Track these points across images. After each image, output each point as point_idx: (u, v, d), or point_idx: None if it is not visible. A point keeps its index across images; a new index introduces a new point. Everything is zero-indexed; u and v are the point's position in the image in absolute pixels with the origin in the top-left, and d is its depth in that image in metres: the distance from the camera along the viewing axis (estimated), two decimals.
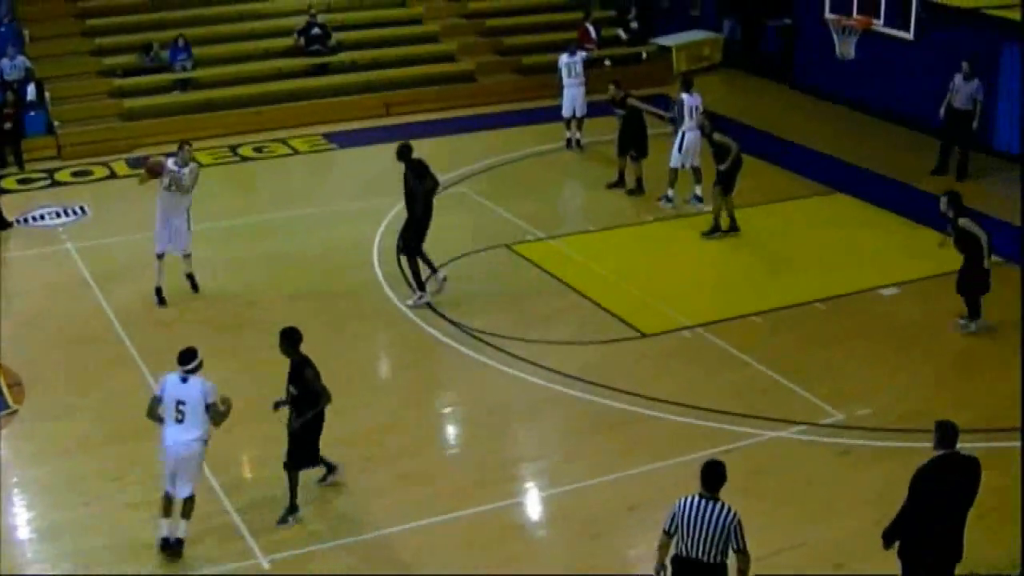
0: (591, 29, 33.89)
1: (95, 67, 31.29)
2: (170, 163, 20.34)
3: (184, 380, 14.02)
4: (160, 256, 20.68)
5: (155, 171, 20.37)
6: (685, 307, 20.44)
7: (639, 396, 17.55)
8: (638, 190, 25.74)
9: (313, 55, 32.99)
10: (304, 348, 18.43)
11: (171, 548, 14.13)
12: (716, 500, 11.43)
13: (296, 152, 29.22)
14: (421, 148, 28.64)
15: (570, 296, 21.13)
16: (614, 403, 17.49)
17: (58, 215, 25.00)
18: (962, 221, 19.40)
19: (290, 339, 14.71)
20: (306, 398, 14.63)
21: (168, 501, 14.16)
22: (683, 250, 23.28)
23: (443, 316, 20.20)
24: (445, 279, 21.25)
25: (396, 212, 24.59)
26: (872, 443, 16.37)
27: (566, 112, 28.93)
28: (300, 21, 33.37)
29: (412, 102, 32.44)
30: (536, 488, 15.94)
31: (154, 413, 14.07)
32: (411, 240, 20.65)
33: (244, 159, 28.68)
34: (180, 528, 14.23)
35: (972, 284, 19.54)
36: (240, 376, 18.39)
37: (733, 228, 23.49)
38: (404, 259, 20.90)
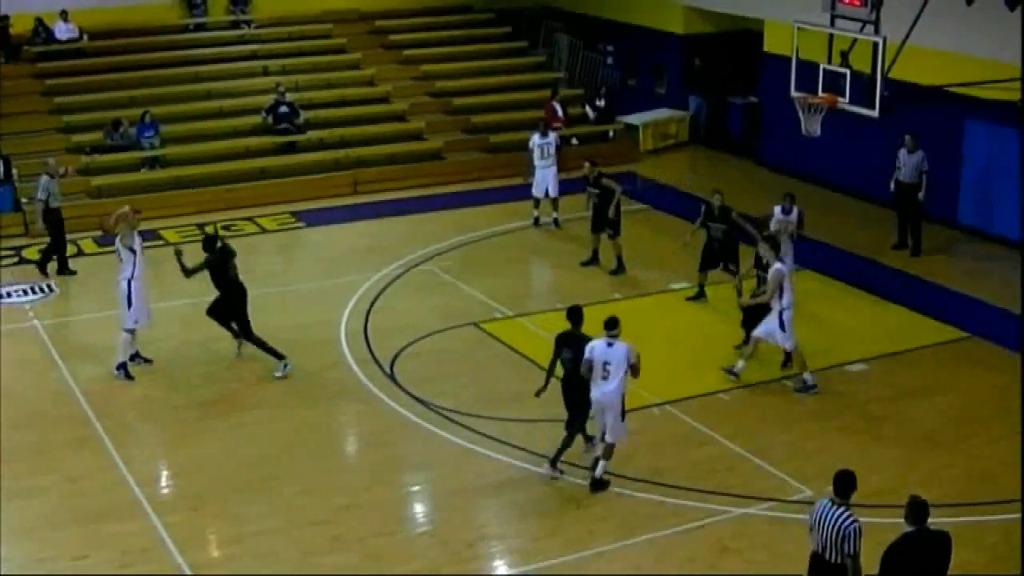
0: (558, 107, 34.13)
1: (63, 144, 31.32)
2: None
3: (610, 345, 16.77)
4: (134, 329, 21.02)
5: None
6: (653, 384, 20.42)
7: (606, 473, 17.50)
8: (619, 269, 25.81)
9: (281, 133, 33.09)
10: (272, 427, 18.49)
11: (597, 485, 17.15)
12: (842, 506, 12.50)
13: (264, 230, 29.24)
14: (389, 226, 29.12)
15: (537, 374, 20.97)
16: (581, 481, 17.44)
17: (25, 292, 24.92)
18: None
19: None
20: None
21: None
22: (650, 327, 23.27)
23: (410, 395, 20.18)
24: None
25: (364, 290, 24.70)
26: None
27: (537, 192, 28.98)
28: (268, 99, 33.50)
29: (380, 180, 32.54)
30: (505, 567, 15.87)
31: (586, 373, 16.86)
32: (242, 324, 21.24)
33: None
34: (599, 468, 17.06)
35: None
36: (210, 453, 18.38)
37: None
38: (250, 342, 21.24)
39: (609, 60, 39.28)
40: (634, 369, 16.88)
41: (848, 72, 23.78)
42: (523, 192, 29.67)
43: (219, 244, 21.44)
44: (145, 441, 19.12)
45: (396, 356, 21.66)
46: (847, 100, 23.94)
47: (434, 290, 25.12)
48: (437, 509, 17.36)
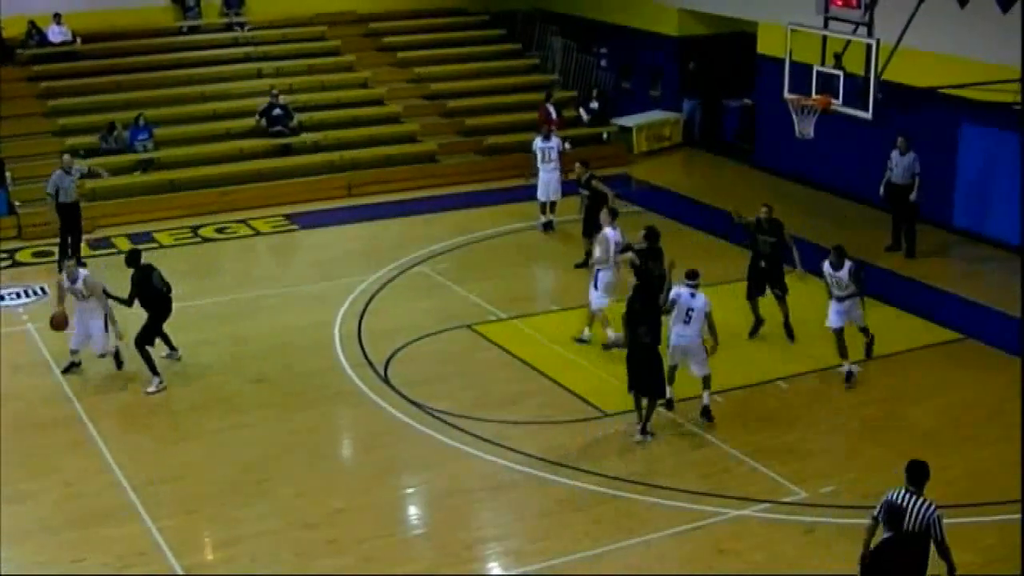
0: (551, 110, 34.08)
1: (57, 147, 31.18)
2: (65, 282, 20.76)
3: (693, 295, 18.90)
4: (75, 351, 21.17)
5: (60, 323, 21.13)
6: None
7: (602, 476, 17.54)
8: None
9: (275, 136, 33.07)
10: (267, 429, 18.39)
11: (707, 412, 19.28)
12: (920, 495, 12.85)
13: (258, 233, 29.22)
14: (384, 228, 29.12)
15: (532, 376, 21.13)
16: (577, 483, 17.45)
17: (19, 296, 24.90)
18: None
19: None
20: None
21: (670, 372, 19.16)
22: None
23: (405, 397, 20.16)
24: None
25: (359, 293, 24.69)
26: (836, 520, 16.39)
27: (541, 196, 28.86)
28: (262, 102, 33.47)
29: (374, 183, 32.52)
30: (501, 569, 15.87)
31: (669, 312, 18.95)
32: (146, 330, 20.82)
33: (206, 240, 28.65)
34: (706, 398, 19.25)
35: None
36: (205, 456, 18.36)
37: None
38: (138, 348, 20.76)
39: (603, 62, 39.28)
40: (709, 319, 18.93)
41: (841, 74, 23.80)
42: (517, 194, 29.71)
43: (141, 260, 21.10)
44: (140, 444, 19.02)
45: (390, 359, 21.65)
46: (840, 102, 23.94)
47: (428, 292, 25.11)
48: (433, 511, 17.38)
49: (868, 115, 23.55)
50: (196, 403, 20.22)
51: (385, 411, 19.83)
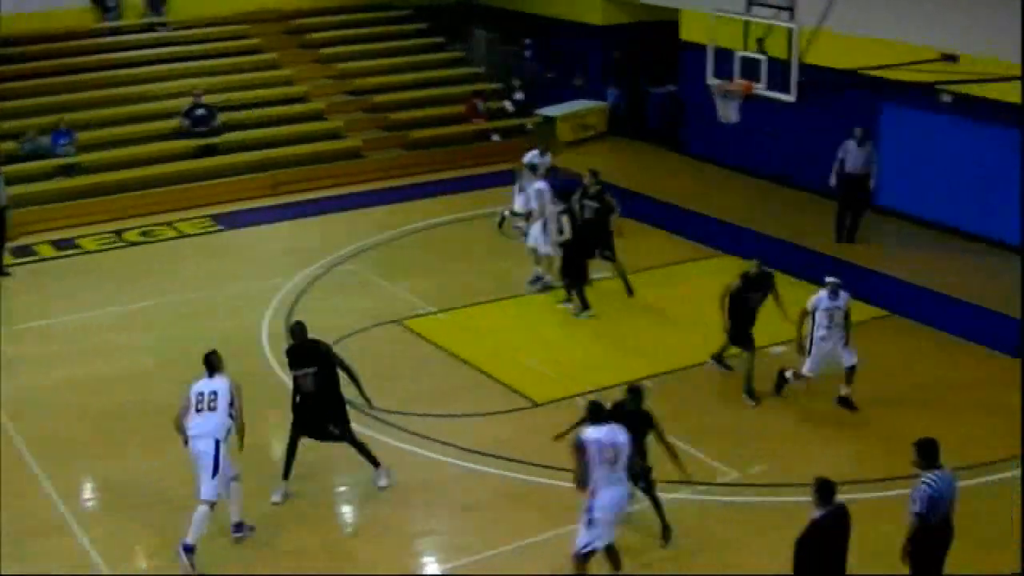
0: (479, 104, 33.99)
1: None
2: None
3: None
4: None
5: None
6: (577, 374, 20.47)
7: (535, 465, 17.53)
8: (630, 293, 24.30)
9: (199, 136, 32.80)
10: None
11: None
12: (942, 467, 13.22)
13: (183, 235, 28.96)
14: (310, 226, 29.00)
15: (462, 369, 21.11)
16: (511, 474, 17.49)
17: None
18: None
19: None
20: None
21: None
22: (572, 318, 23.31)
23: None
24: None
25: (286, 292, 24.55)
26: (767, 499, 16.50)
27: (522, 207, 26.33)
28: (185, 103, 33.20)
29: (300, 180, 32.33)
30: (437, 565, 15.87)
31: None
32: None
33: (130, 244, 28.35)
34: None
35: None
36: (133, 468, 18.15)
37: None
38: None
39: (528, 53, 39.29)
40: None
41: (765, 58, 23.90)
42: (443, 187, 29.61)
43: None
44: (70, 455, 18.57)
45: None
46: (764, 86, 24.07)
47: (357, 289, 25.02)
48: (368, 508, 17.28)
49: (792, 98, 23.69)
50: (122, 410, 19.96)
51: None
